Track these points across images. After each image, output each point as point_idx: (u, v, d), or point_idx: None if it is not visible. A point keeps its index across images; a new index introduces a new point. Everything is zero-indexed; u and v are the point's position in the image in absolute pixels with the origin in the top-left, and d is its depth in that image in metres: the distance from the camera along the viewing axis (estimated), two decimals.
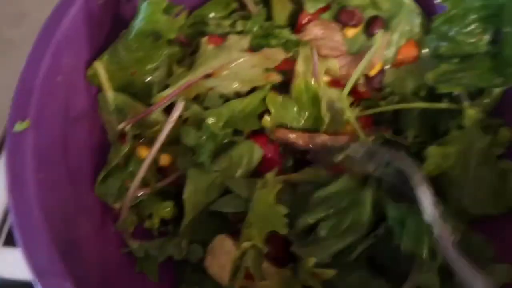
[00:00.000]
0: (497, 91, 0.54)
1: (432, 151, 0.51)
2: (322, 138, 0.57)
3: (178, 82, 0.55)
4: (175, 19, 0.54)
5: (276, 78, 0.56)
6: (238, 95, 0.56)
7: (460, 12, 0.55)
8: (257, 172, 0.55)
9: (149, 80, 0.59)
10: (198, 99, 0.56)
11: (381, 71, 0.65)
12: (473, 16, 0.55)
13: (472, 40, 0.56)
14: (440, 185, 0.49)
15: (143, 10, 0.51)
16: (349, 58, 0.66)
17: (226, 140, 0.53)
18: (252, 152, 0.54)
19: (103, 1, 0.54)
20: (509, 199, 0.50)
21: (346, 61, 0.66)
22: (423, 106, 0.56)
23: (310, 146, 0.56)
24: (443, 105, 0.55)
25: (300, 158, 0.59)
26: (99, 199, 0.54)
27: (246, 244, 0.48)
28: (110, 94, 0.55)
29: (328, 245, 0.48)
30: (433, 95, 0.59)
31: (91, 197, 0.54)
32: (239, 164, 0.54)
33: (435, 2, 0.59)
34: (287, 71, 0.64)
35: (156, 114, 0.55)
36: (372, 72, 0.64)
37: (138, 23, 0.52)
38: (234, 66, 0.55)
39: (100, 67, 0.54)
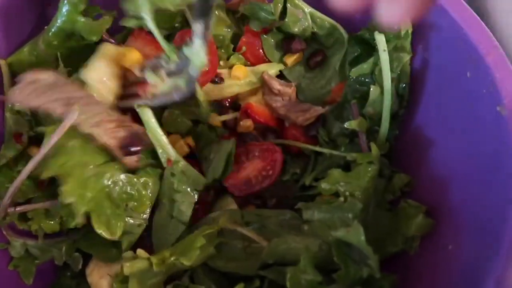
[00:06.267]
0: None
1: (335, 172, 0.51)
2: None
3: None
4: (97, 22, 0.53)
5: None
6: None
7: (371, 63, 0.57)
8: None
9: (76, 77, 0.59)
10: None
11: None
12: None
13: None
14: None
15: (62, 9, 0.51)
16: (288, 103, 0.64)
17: None
18: None
19: None
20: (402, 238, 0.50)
21: (282, 104, 0.64)
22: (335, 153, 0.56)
23: None
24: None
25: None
26: None
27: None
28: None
29: None
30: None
31: None
32: None
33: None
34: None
35: None
36: None
37: (57, 21, 0.52)
38: None
39: (3, 63, 0.54)
